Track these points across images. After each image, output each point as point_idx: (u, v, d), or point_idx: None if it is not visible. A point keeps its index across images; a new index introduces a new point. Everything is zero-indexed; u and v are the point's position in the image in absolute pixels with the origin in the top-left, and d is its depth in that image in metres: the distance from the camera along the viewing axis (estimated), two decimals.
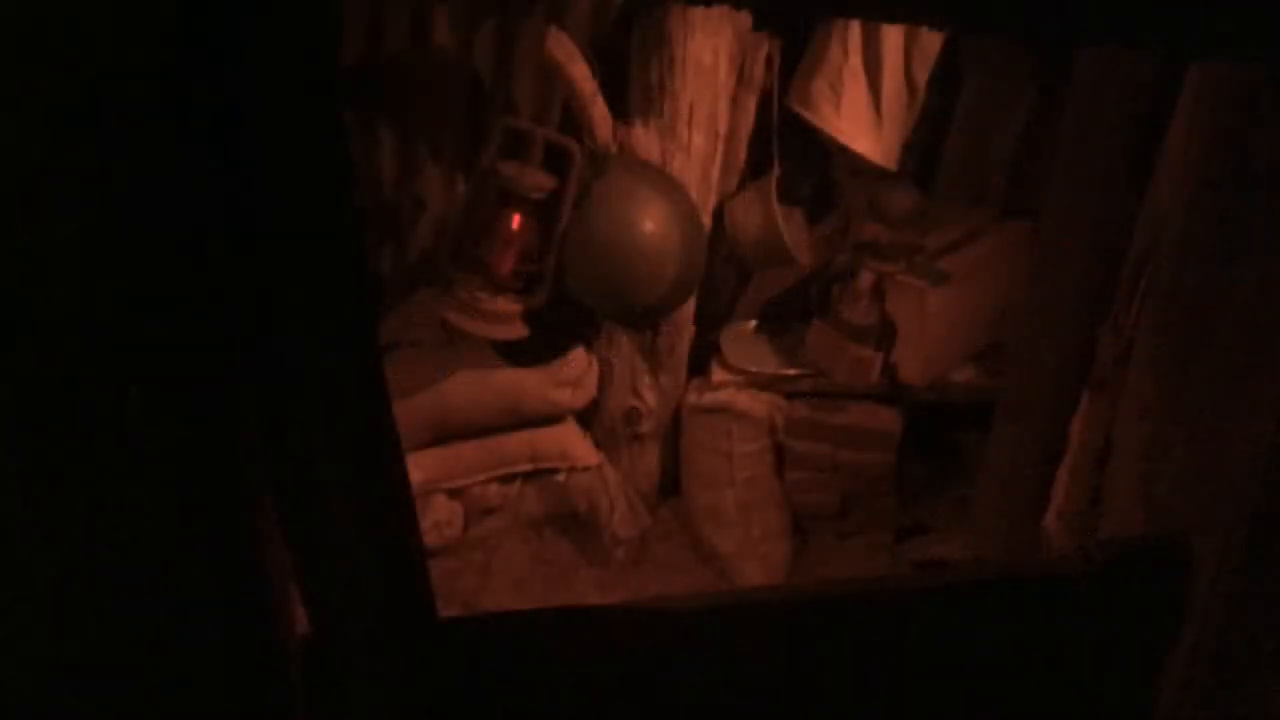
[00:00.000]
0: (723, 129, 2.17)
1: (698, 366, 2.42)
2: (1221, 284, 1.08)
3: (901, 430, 2.30)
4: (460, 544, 2.26)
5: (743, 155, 2.29)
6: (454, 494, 2.26)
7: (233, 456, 0.71)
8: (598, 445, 2.37)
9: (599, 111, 2.07)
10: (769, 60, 2.20)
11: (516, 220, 2.11)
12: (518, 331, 2.15)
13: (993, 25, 1.01)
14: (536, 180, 2.08)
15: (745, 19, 2.09)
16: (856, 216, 2.44)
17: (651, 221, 2.08)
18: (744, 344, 2.42)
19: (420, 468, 2.18)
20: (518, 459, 2.28)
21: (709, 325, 2.43)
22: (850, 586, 1.25)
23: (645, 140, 2.10)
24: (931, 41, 2.21)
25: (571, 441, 2.31)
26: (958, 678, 1.10)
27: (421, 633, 0.85)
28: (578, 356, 2.29)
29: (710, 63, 2.06)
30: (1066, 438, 1.45)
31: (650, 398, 2.35)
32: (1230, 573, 1.02)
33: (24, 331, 0.59)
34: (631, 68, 2.10)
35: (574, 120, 2.12)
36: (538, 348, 2.22)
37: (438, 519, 2.21)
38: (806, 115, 2.24)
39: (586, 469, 2.32)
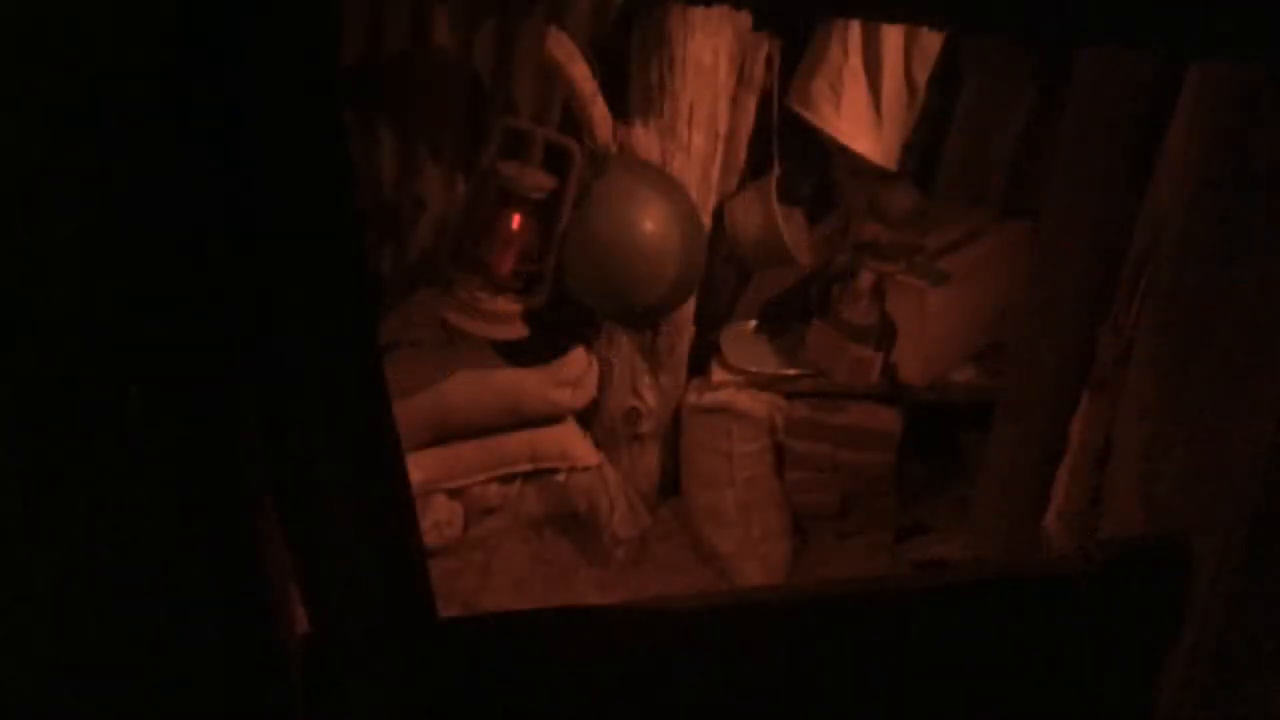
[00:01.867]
0: (723, 129, 2.17)
1: (698, 366, 2.42)
2: (1221, 284, 1.08)
3: (901, 430, 2.30)
4: (460, 544, 2.26)
5: (743, 155, 2.29)
6: (454, 494, 2.26)
7: (233, 456, 0.71)
8: (598, 445, 2.37)
9: (599, 111, 2.07)
10: (769, 60, 2.20)
11: (516, 220, 2.11)
12: (518, 331, 2.15)
13: (993, 25, 1.01)
14: (536, 180, 2.08)
15: (745, 19, 2.09)
16: (856, 216, 2.44)
17: (651, 221, 2.08)
18: (744, 344, 2.42)
19: (420, 468, 2.17)
20: (518, 459, 2.28)
21: (709, 325, 2.43)
22: (850, 586, 1.25)
23: (645, 140, 2.10)
24: (931, 41, 2.21)
25: (571, 441, 2.31)
26: (958, 678, 1.10)
27: (421, 633, 0.85)
28: (578, 356, 2.29)
29: (710, 63, 2.06)
30: (1066, 438, 1.45)
31: (650, 398, 2.35)
32: (1230, 573, 1.02)
33: (24, 331, 0.59)
34: (631, 68, 2.10)
35: (574, 120, 2.12)
36: (538, 348, 2.22)
37: (438, 519, 2.21)
38: (806, 115, 2.24)
39: (586, 469, 2.32)
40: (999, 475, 1.65)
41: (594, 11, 2.13)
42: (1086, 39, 1.15)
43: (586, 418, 2.38)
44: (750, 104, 2.22)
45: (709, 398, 2.34)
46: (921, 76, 2.25)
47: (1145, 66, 1.30)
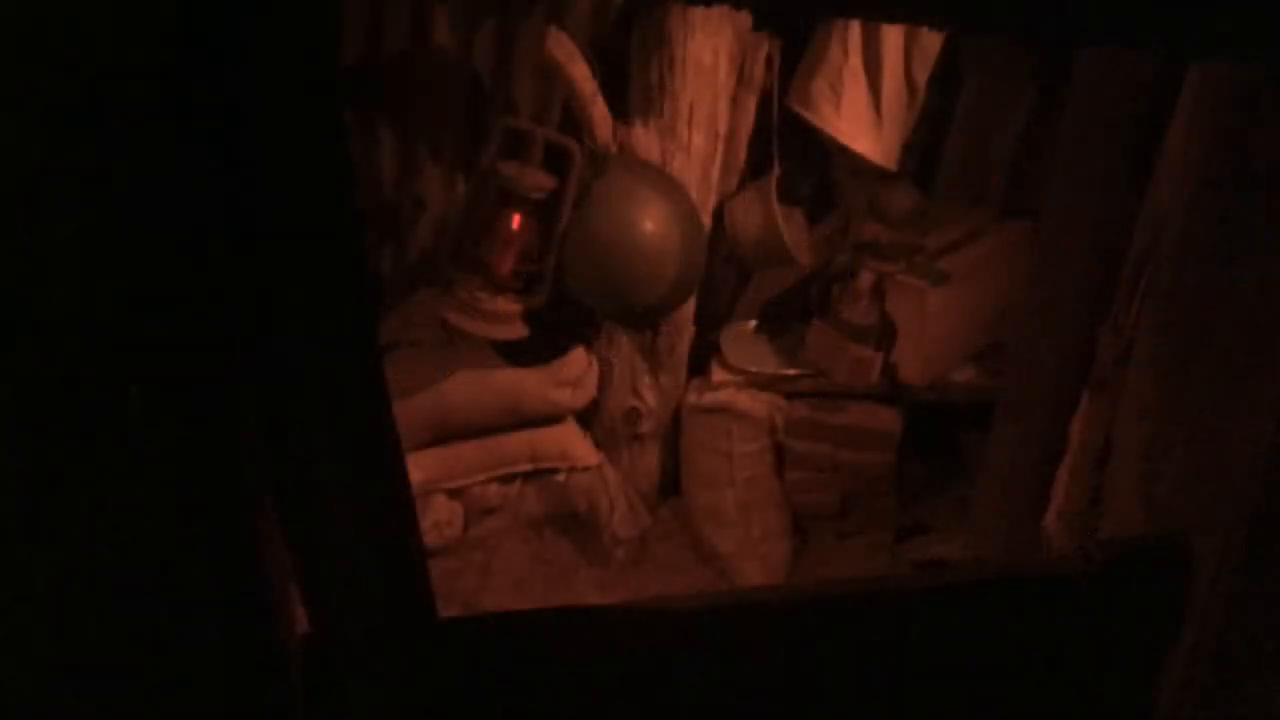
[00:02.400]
0: (723, 129, 2.17)
1: (698, 366, 2.42)
2: (1221, 284, 1.08)
3: (901, 430, 2.30)
4: (460, 544, 2.26)
5: (743, 155, 2.29)
6: (454, 494, 2.26)
7: (233, 456, 0.71)
8: (598, 445, 2.37)
9: (599, 111, 2.07)
10: (769, 60, 2.20)
11: (516, 220, 2.11)
12: (518, 331, 2.15)
13: (993, 25, 1.01)
14: (536, 180, 2.08)
15: (745, 19, 2.09)
16: (856, 216, 2.44)
17: (651, 221, 2.08)
18: (744, 344, 2.42)
19: (420, 468, 2.18)
20: (518, 459, 2.28)
21: (709, 325, 2.43)
22: (850, 586, 1.25)
23: (645, 140, 2.10)
24: (931, 41, 2.21)
25: (571, 441, 2.31)
26: (958, 678, 1.10)
27: (421, 633, 0.85)
28: (578, 356, 2.29)
29: (710, 63, 2.06)
30: (1066, 438, 1.45)
31: (650, 398, 2.35)
32: (1230, 573, 1.02)
33: (24, 331, 0.59)
34: (631, 68, 2.10)
35: (574, 120, 2.12)
36: (538, 348, 2.22)
37: (438, 519, 2.21)
38: (806, 115, 2.24)
39: (586, 469, 2.32)
40: (999, 475, 1.65)
41: (594, 11, 2.13)
42: (1086, 39, 1.15)
43: (586, 418, 2.38)
44: (750, 104, 2.22)
45: (709, 398, 2.34)
46: (921, 76, 2.25)
47: (1145, 66, 1.30)
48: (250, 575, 0.75)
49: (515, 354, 2.23)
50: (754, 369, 2.34)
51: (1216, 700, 1.07)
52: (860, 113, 2.23)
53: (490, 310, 2.12)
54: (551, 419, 2.30)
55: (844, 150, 2.28)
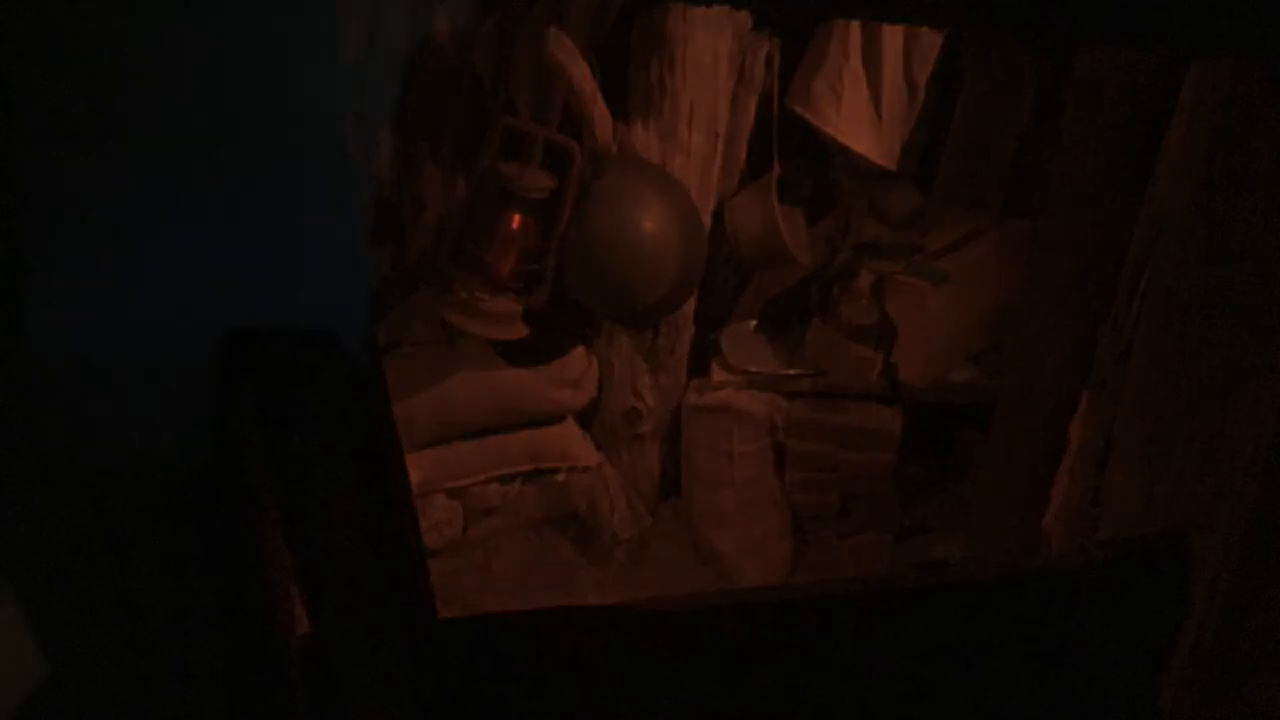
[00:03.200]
0: (723, 129, 2.17)
1: (698, 366, 2.41)
2: (1221, 284, 1.08)
3: (901, 430, 2.30)
4: (460, 544, 2.26)
5: (743, 155, 2.29)
6: (454, 494, 2.26)
7: (233, 457, 0.71)
8: (598, 445, 2.37)
9: (599, 111, 2.07)
10: (769, 60, 2.20)
11: (516, 220, 2.11)
12: (518, 331, 2.15)
13: (993, 25, 1.01)
14: (536, 180, 2.08)
15: (745, 19, 2.09)
16: (856, 216, 2.44)
17: (651, 221, 2.08)
18: (744, 344, 2.42)
19: (420, 468, 2.17)
20: (518, 459, 2.28)
21: (709, 325, 2.43)
22: (850, 586, 1.25)
23: (645, 140, 2.10)
24: (931, 41, 2.21)
25: (571, 441, 2.31)
26: (958, 677, 1.10)
27: (421, 633, 0.86)
28: (578, 356, 2.29)
29: (710, 63, 2.06)
30: (1066, 438, 1.45)
31: (650, 398, 2.35)
32: (1230, 572, 1.02)
33: (24, 331, 0.59)
34: (631, 68, 2.10)
35: (574, 120, 2.12)
36: (538, 348, 2.22)
37: (438, 519, 2.21)
38: (806, 115, 2.24)
39: (586, 469, 2.32)
40: (999, 475, 1.65)
41: (594, 11, 2.13)
42: (1086, 39, 1.15)
43: (586, 418, 2.38)
44: (750, 104, 2.22)
45: (709, 398, 2.34)
46: (921, 76, 2.25)
47: (1145, 66, 1.30)
48: (250, 575, 0.75)
49: (515, 354, 2.23)
50: (754, 369, 2.33)
51: (1216, 700, 1.07)
52: (860, 113, 2.24)
53: (490, 310, 2.12)
54: (551, 419, 2.30)
55: (844, 150, 2.28)
